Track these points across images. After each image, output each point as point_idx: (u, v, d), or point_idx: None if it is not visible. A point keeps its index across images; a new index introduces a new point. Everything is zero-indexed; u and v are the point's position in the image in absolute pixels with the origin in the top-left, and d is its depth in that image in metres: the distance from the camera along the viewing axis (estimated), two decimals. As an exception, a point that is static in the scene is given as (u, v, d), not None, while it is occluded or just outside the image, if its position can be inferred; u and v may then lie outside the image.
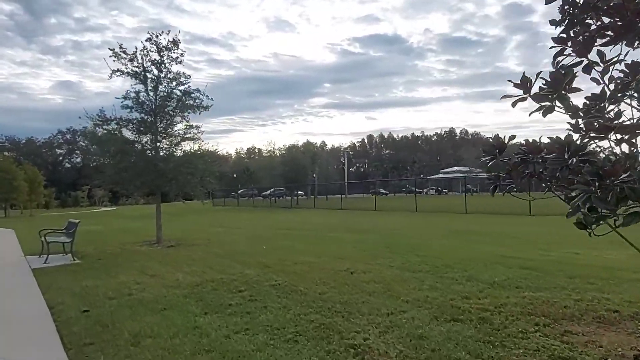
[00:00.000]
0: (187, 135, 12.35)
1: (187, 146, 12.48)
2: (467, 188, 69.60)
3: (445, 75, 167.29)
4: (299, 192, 57.26)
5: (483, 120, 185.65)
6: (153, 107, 12.21)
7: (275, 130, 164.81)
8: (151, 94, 12.26)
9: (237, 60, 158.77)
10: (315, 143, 53.48)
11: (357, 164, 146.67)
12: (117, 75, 12.14)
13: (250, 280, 6.68)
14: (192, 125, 12.30)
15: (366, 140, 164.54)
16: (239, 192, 53.24)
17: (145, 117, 12.09)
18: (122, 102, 12.13)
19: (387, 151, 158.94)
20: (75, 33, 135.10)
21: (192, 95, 12.30)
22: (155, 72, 12.21)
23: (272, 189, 51.73)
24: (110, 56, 12.00)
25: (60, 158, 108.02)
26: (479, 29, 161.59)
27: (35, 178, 41.32)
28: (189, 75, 12.35)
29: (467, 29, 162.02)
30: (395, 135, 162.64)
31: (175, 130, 12.41)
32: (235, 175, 66.75)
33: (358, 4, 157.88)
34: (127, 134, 12.23)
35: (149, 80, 12.17)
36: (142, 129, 12.19)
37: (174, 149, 12.42)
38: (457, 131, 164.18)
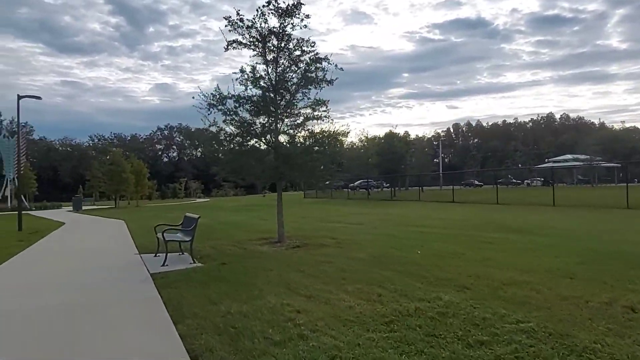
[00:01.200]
0: (315, 114, 10.31)
1: (314, 127, 10.44)
2: (579, 179, 61.84)
3: (536, 58, 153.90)
4: (384, 184, 54.25)
5: (580, 104, 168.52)
6: (273, 82, 10.36)
7: (353, 122, 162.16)
8: (270, 67, 10.42)
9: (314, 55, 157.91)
10: (398, 133, 49.87)
11: (443, 154, 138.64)
12: (234, 47, 10.45)
13: (470, 316, 4.32)
14: (320, 100, 10.21)
15: (452, 130, 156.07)
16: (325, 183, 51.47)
17: (266, 94, 10.26)
18: (238, 77, 10.43)
19: (475, 140, 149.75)
20: (170, 39, 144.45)
21: (319, 65, 10.22)
22: (275, 41, 10.34)
23: (360, 180, 49.41)
24: (225, 26, 10.35)
25: (159, 152, 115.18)
26: (575, 5, 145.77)
27: (140, 170, 42.98)
28: (314, 43, 10.31)
29: (560, 6, 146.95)
30: (484, 123, 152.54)
31: (299, 109, 10.45)
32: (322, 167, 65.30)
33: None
34: (244, 115, 10.52)
35: (267, 51, 10.33)
36: (260, 108, 10.39)
37: (297, 131, 10.47)
38: (557, 116, 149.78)
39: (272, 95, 10.40)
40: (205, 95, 10.13)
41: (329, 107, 10.26)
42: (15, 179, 35.59)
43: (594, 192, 32.02)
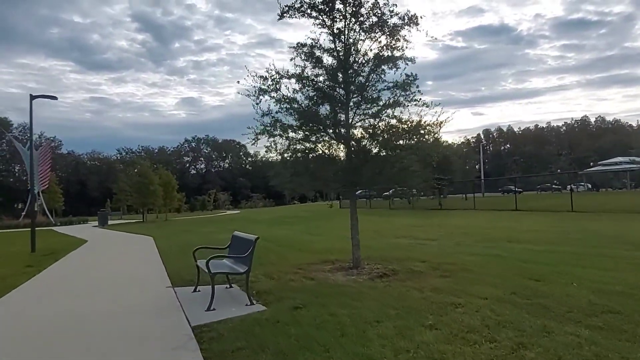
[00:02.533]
0: (398, 99, 7.76)
1: (401, 114, 7.86)
2: (624, 183, 57.26)
3: (562, 62, 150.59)
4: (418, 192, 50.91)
5: (609, 108, 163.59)
6: (341, 58, 7.90)
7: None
8: (337, 41, 7.97)
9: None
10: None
11: (473, 161, 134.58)
12: (290, 16, 8.08)
13: None
14: (410, 78, 7.65)
15: (482, 135, 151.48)
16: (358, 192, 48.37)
17: (336, 74, 7.81)
18: (294, 54, 8.02)
19: (507, 146, 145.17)
20: (195, 54, 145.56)
21: (399, 34, 7.72)
22: (340, 5, 7.91)
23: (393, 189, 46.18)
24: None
25: (187, 165, 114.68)
26: (600, 8, 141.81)
27: (169, 182, 41.18)
28: (395, 4, 7.81)
29: (585, 9, 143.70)
30: (515, 129, 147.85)
31: (380, 91, 7.95)
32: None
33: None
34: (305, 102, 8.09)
35: (334, 18, 7.90)
36: (325, 92, 7.95)
37: (376, 121, 7.93)
38: (591, 119, 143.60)
39: (341, 75, 7.96)
40: (259, 77, 7.72)
41: (418, 88, 7.69)
42: (38, 193, 34.17)
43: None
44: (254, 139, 7.91)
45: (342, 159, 8.20)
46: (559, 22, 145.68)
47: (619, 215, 18.30)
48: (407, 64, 7.91)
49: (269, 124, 7.86)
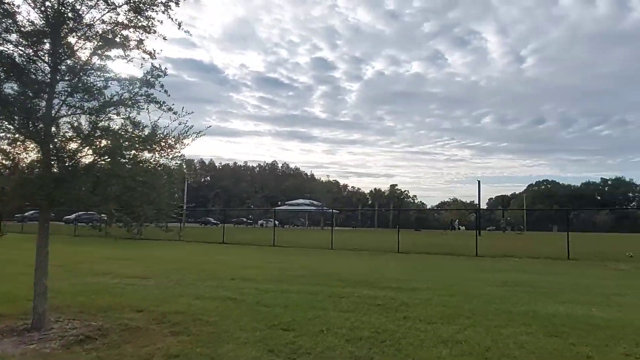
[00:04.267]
0: (135, 97, 5.79)
1: (126, 119, 5.84)
2: (302, 221, 68.64)
3: (259, 111, 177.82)
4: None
5: (291, 157, 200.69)
6: (50, 17, 5.40)
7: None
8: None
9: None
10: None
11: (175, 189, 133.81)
12: None
13: None
14: (152, 75, 5.78)
15: (185, 165, 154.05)
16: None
17: (37, 37, 5.22)
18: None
19: (207, 178, 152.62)
20: None
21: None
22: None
23: (76, 213, 39.78)
24: None
25: None
26: (291, 74, 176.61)
27: None
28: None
29: (280, 72, 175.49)
30: (217, 163, 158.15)
31: (102, 82, 5.78)
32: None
33: (174, 26, 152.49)
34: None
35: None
36: (16, 62, 5.25)
37: (95, 120, 5.67)
38: (279, 165, 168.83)
39: (49, 43, 5.44)
40: None
41: (164, 88, 5.96)
42: None
43: (343, 234, 34.73)
44: None
45: (32, 165, 5.52)
46: (259, 76, 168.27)
47: (311, 250, 20.63)
48: (145, 57, 6.09)
49: None
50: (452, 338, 5.16)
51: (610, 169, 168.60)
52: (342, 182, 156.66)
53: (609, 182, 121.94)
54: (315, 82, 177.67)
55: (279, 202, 79.80)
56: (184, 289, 8.40)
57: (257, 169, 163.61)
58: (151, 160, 5.84)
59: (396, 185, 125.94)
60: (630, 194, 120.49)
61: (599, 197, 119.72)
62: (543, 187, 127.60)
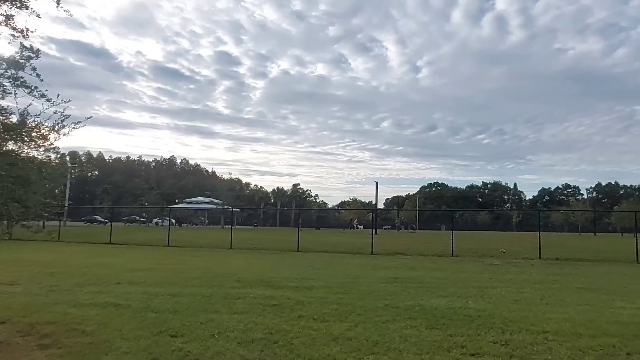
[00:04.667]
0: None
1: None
2: (202, 220, 66.10)
3: (156, 102, 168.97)
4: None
5: (191, 152, 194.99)
6: None
7: None
8: None
9: None
10: None
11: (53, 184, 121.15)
12: None
13: None
14: (21, 56, 5.05)
15: (68, 158, 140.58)
16: None
17: None
18: None
19: (96, 173, 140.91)
20: None
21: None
22: None
23: None
24: None
25: None
26: (192, 66, 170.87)
27: None
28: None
29: (181, 63, 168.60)
30: (106, 157, 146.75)
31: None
32: None
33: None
34: None
35: None
36: None
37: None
38: (178, 160, 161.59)
39: None
40: None
41: (36, 71, 5.25)
42: None
43: (244, 233, 34.14)
44: None
45: None
46: (157, 66, 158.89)
47: (209, 250, 19.97)
48: (15, 35, 5.34)
49: None
50: (343, 335, 5.29)
51: (490, 173, 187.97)
52: (244, 180, 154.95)
53: (489, 185, 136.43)
54: (219, 76, 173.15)
55: (177, 200, 76.24)
56: (59, 296, 7.56)
57: (154, 164, 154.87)
58: (18, 152, 5.13)
59: (299, 184, 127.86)
60: (505, 197, 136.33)
61: (480, 199, 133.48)
62: (434, 189, 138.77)
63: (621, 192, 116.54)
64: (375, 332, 5.44)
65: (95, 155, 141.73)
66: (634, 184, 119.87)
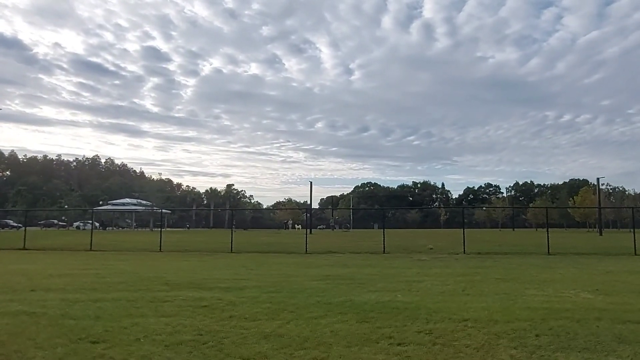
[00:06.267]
0: None
1: None
2: (128, 222, 62.87)
3: (77, 98, 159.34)
4: None
5: (117, 152, 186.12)
6: None
7: None
8: None
9: None
10: None
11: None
12: None
13: None
14: None
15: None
16: None
17: None
18: None
19: (7, 173, 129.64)
20: None
21: None
22: None
23: None
24: None
25: None
26: (117, 61, 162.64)
27: None
28: None
29: (104, 57, 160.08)
30: (20, 156, 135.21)
31: None
32: None
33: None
34: None
35: None
36: None
37: None
38: (102, 160, 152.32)
39: None
40: None
41: None
42: None
43: (174, 235, 32.89)
44: None
45: None
46: (78, 60, 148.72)
47: (136, 253, 19.05)
48: None
49: None
50: (274, 332, 5.30)
51: (420, 173, 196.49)
52: (175, 180, 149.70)
53: (418, 185, 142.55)
54: (147, 72, 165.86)
55: (101, 202, 71.75)
56: None
57: (75, 163, 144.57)
58: None
59: (233, 185, 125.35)
60: (434, 196, 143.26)
61: (410, 198, 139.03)
62: (367, 188, 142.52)
63: (536, 191, 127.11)
64: (307, 328, 5.50)
65: (6, 154, 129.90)
66: (546, 183, 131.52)
